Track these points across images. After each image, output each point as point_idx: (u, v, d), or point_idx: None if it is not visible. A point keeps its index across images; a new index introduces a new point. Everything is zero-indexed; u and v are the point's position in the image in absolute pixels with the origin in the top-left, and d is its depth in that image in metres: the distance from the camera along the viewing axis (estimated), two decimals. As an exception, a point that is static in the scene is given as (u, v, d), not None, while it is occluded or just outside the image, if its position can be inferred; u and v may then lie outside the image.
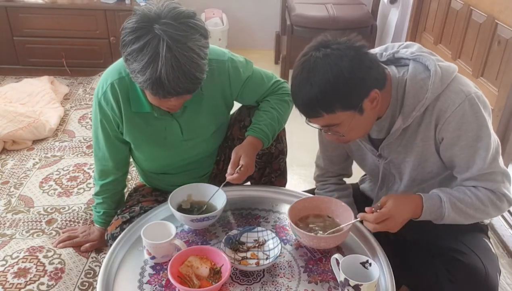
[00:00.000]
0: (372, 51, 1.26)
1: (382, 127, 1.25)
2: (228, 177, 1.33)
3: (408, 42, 1.26)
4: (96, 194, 1.56)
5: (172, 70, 1.10)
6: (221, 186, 1.36)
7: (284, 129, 1.56)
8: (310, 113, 1.16)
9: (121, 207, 1.57)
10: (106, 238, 1.51)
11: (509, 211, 2.05)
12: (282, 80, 1.53)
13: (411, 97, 1.17)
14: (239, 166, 1.33)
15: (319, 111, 1.13)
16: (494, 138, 1.18)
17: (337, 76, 1.08)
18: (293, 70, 1.16)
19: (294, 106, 1.20)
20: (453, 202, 1.19)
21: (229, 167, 1.34)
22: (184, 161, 1.52)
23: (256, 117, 1.46)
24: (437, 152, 1.23)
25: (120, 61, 1.34)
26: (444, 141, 1.19)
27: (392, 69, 1.21)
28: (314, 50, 1.11)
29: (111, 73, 1.35)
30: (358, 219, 1.20)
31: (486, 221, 1.38)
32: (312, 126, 1.22)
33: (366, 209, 1.18)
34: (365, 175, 1.59)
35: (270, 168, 1.59)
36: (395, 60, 1.23)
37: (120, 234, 1.33)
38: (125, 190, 1.65)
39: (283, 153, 1.59)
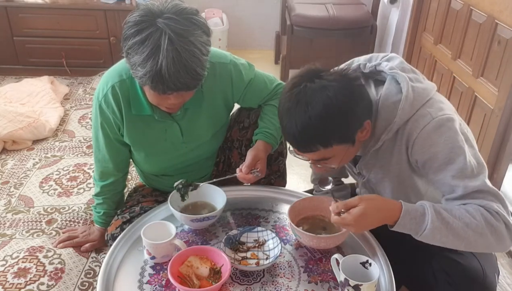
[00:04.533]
0: (357, 60, 1.25)
1: (364, 145, 1.23)
2: (241, 175, 1.33)
3: (391, 55, 1.23)
4: (96, 195, 1.56)
5: (173, 63, 1.09)
6: (228, 176, 1.38)
7: None
8: (304, 147, 1.12)
9: (121, 207, 1.57)
10: (106, 238, 1.51)
11: (509, 211, 2.05)
12: (283, 83, 1.53)
13: (382, 120, 1.15)
14: (256, 169, 1.34)
15: (316, 146, 1.09)
16: (474, 160, 1.10)
17: (338, 110, 1.05)
18: (284, 101, 1.10)
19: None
20: (438, 211, 1.07)
21: (245, 166, 1.33)
22: (184, 162, 1.52)
23: (264, 122, 1.46)
24: (415, 174, 1.20)
25: (120, 64, 1.34)
26: (419, 164, 1.15)
27: (371, 91, 1.18)
28: (307, 81, 1.07)
29: (112, 75, 1.34)
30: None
31: None
32: (299, 158, 1.18)
33: (332, 206, 1.11)
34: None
35: (270, 169, 1.59)
36: (377, 73, 1.21)
37: (120, 234, 1.33)
38: (125, 190, 1.65)
39: (282, 154, 1.58)
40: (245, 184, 1.53)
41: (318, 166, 1.18)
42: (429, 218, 1.06)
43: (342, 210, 1.10)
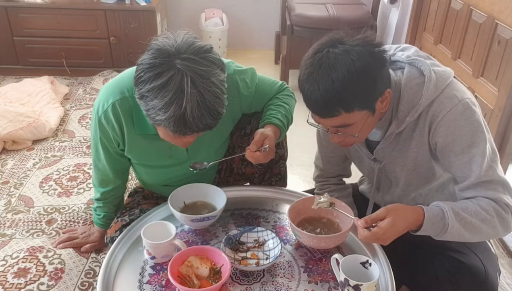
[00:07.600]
0: None
1: (380, 129, 1.25)
2: (249, 153, 1.27)
3: (405, 45, 1.25)
4: (97, 199, 1.55)
5: (197, 106, 1.07)
6: (237, 155, 1.42)
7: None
8: (327, 112, 1.11)
9: (121, 209, 1.57)
10: (106, 241, 1.51)
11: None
12: (285, 82, 1.52)
13: (405, 102, 1.16)
14: (265, 146, 1.27)
15: (339, 110, 1.09)
16: (490, 146, 1.14)
17: (361, 73, 1.05)
18: (306, 68, 1.10)
19: (295, 105, 1.15)
20: (456, 212, 1.11)
21: (252, 143, 1.27)
22: (186, 174, 1.49)
23: (270, 111, 1.41)
24: (432, 157, 1.22)
25: (122, 78, 1.31)
26: (439, 146, 1.17)
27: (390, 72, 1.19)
28: (330, 47, 1.08)
29: (113, 91, 1.29)
30: (357, 222, 1.19)
31: None
32: (316, 127, 1.18)
33: (360, 221, 1.12)
34: (363, 176, 1.59)
35: (270, 173, 1.58)
36: (391, 63, 1.22)
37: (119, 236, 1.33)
38: (125, 190, 1.64)
39: (283, 158, 1.57)
40: (256, 169, 1.51)
41: (338, 134, 1.17)
42: (449, 221, 1.11)
43: (373, 225, 1.11)
